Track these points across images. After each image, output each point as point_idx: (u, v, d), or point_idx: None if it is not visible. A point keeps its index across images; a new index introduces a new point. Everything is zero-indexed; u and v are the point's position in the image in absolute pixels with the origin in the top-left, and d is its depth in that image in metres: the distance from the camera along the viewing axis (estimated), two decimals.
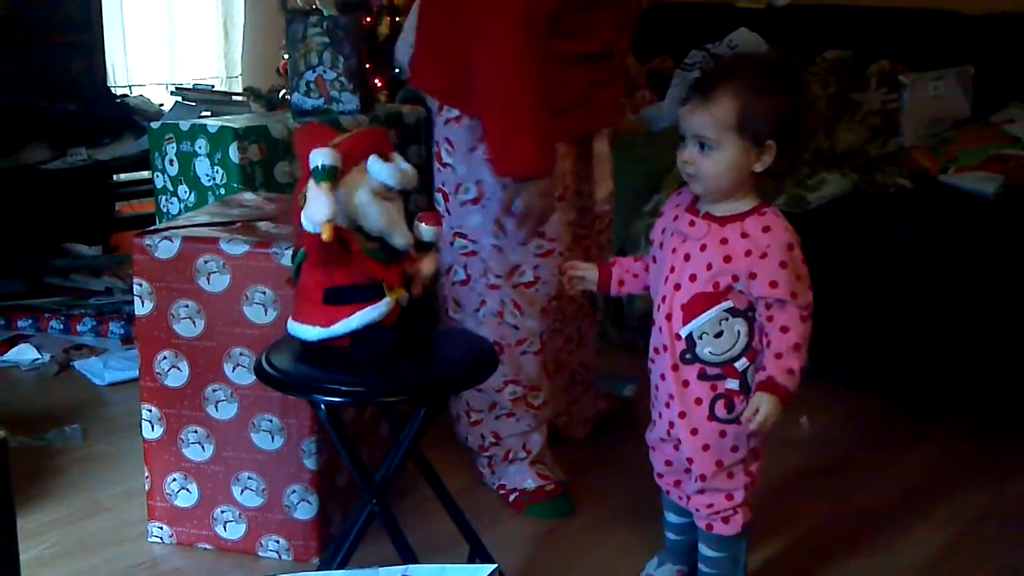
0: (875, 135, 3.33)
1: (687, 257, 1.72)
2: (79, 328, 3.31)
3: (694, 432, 1.75)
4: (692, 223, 1.72)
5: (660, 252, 1.80)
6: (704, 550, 1.84)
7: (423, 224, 1.69)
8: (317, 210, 1.52)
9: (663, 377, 1.79)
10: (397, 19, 4.50)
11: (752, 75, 1.65)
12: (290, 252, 1.77)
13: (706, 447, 1.74)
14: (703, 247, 1.70)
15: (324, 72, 3.00)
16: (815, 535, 2.20)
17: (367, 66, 3.12)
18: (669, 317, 1.74)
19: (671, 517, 1.95)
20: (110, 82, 4.73)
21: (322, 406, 1.63)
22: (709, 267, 1.69)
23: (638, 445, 2.58)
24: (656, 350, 1.80)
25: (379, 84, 4.28)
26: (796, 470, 2.47)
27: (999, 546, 2.15)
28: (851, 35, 3.68)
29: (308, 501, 2.02)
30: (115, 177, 4.29)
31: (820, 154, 3.30)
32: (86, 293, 3.59)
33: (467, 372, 1.68)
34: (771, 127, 1.64)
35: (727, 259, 1.68)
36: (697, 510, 1.81)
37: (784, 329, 1.65)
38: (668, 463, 1.87)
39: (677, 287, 1.73)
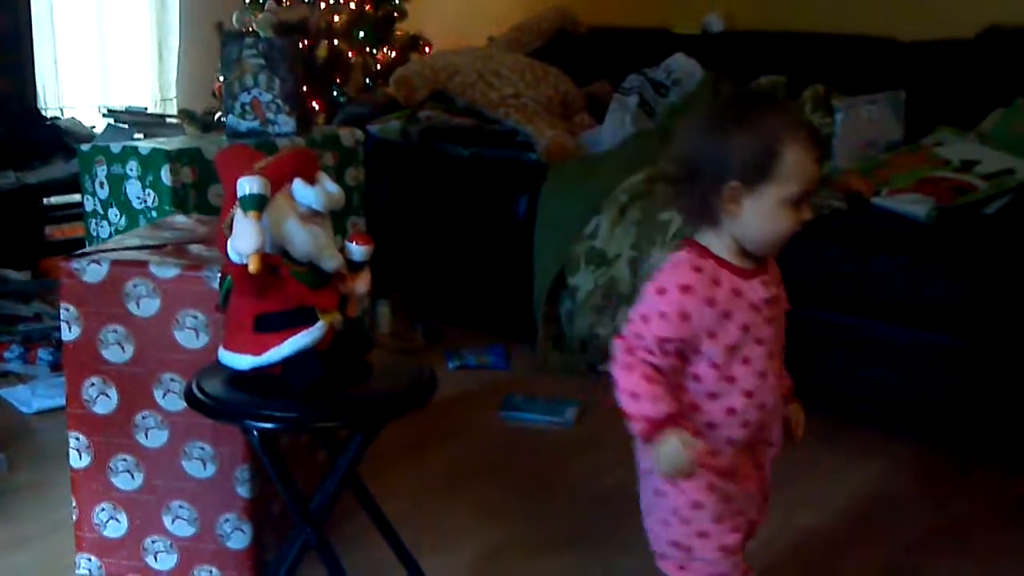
0: None
1: (770, 320, 1.54)
2: (6, 355, 3.22)
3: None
4: (758, 286, 1.53)
5: (727, 337, 1.49)
6: None
7: (353, 244, 1.67)
8: (244, 241, 1.50)
9: (762, 466, 1.63)
10: (335, 42, 4.49)
11: None
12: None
13: None
14: (770, 300, 1.54)
15: (260, 94, 2.96)
16: (759, 555, 2.19)
17: (304, 88, 3.09)
18: (773, 389, 1.56)
19: None
20: (40, 104, 4.64)
21: (255, 432, 1.60)
22: (783, 311, 1.59)
23: (575, 470, 2.59)
24: (766, 442, 1.61)
25: (316, 107, 4.26)
26: None
27: (939, 564, 2.17)
28: (785, 60, 3.74)
29: (242, 530, 1.98)
30: (45, 200, 4.20)
31: None
32: (14, 319, 3.49)
33: (403, 397, 1.65)
34: None
35: (783, 298, 1.59)
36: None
37: None
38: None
39: (771, 355, 1.55)
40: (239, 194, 1.51)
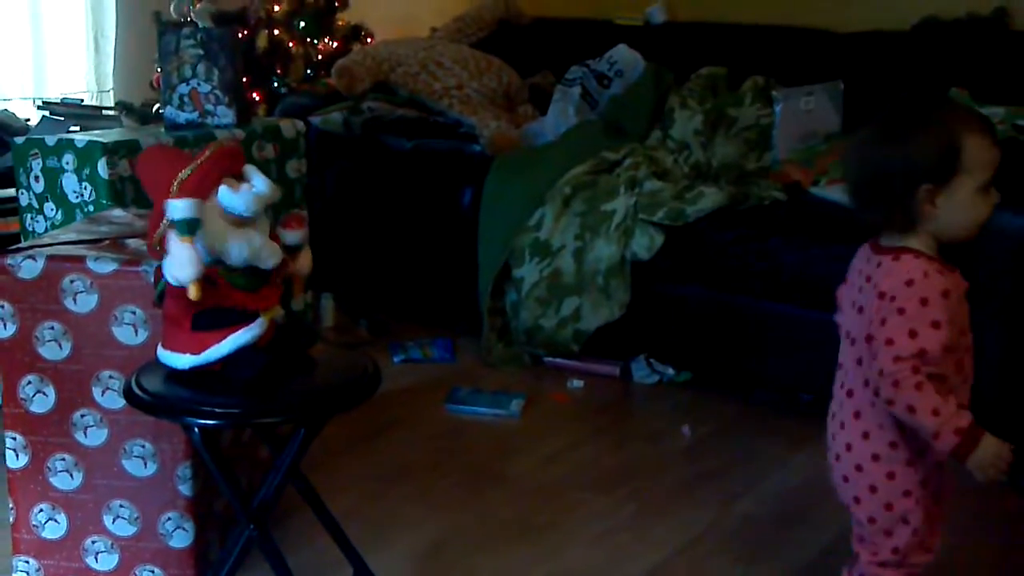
0: (750, 149, 3.40)
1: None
2: None
3: None
4: (961, 279, 1.56)
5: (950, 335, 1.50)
6: None
7: (287, 230, 1.67)
8: (182, 270, 1.50)
9: None
10: (275, 32, 4.44)
11: None
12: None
13: None
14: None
15: (198, 85, 2.92)
16: (699, 542, 2.22)
17: (244, 79, 3.05)
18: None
19: None
20: None
21: (195, 430, 1.58)
22: None
23: (521, 462, 2.59)
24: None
25: (257, 98, 4.21)
26: (680, 478, 2.50)
27: None
28: (726, 52, 3.77)
29: (184, 528, 1.95)
30: None
31: (698, 168, 3.37)
32: None
33: (347, 391, 1.64)
34: None
35: None
36: None
37: None
38: None
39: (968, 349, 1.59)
40: (170, 218, 1.51)
